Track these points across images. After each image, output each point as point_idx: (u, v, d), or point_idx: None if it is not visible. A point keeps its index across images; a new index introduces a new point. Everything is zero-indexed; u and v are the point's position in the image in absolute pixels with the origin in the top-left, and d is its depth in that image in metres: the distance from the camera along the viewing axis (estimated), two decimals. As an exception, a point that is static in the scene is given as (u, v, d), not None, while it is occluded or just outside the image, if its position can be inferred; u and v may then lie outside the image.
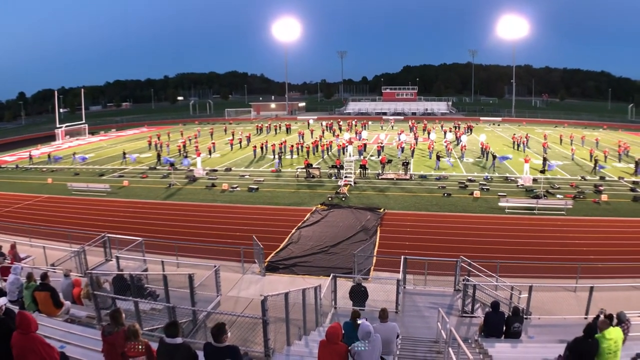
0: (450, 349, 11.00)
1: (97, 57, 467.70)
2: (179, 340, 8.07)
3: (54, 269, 20.43)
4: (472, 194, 39.59)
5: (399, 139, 65.85)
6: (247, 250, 24.66)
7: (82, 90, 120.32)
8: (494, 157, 52.38)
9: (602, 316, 12.25)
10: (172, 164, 49.77)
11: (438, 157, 52.07)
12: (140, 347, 8.41)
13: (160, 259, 21.85)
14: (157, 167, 54.32)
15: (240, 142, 71.92)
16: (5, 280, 14.98)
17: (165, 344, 8.05)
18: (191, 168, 51.89)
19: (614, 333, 10.55)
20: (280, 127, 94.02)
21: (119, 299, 13.59)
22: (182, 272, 17.14)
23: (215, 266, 18.53)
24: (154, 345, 8.38)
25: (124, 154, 59.97)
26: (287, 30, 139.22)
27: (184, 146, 67.06)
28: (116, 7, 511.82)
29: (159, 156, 57.82)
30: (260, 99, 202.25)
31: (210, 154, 63.07)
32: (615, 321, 11.57)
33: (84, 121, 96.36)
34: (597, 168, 47.52)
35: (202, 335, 12.95)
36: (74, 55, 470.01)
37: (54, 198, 41.56)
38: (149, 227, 31.81)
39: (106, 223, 32.38)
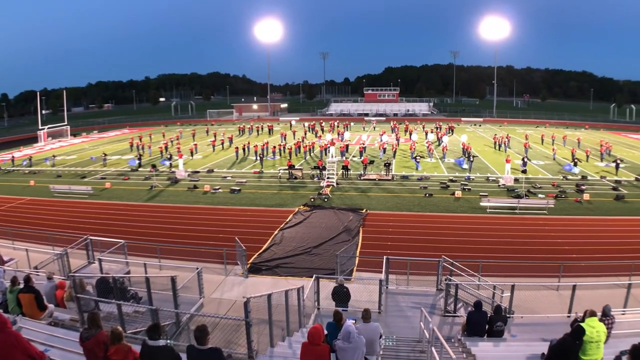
0: (433, 349, 11.05)
1: (79, 58, 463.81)
2: (161, 342, 8.07)
3: (37, 271, 20.31)
4: (453, 194, 39.80)
5: (381, 140, 65.97)
6: (230, 252, 24.63)
7: (64, 91, 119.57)
8: (470, 156, 52.76)
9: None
10: (153, 166, 49.46)
11: (416, 159, 52.34)
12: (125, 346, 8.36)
13: (143, 262, 21.84)
14: (139, 169, 54.06)
15: (222, 144, 71.80)
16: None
17: (148, 346, 8.05)
18: (173, 169, 51.72)
19: (597, 322, 10.75)
20: (262, 128, 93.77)
21: (102, 302, 13.52)
22: (165, 274, 17.07)
23: (197, 268, 18.51)
24: (137, 348, 8.35)
25: (104, 155, 59.68)
26: (269, 31, 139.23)
27: (166, 147, 66.70)
28: (97, 8, 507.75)
29: (140, 158, 57.57)
30: (243, 100, 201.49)
31: (192, 155, 62.79)
32: (599, 315, 11.72)
33: (66, 123, 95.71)
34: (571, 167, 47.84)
35: (186, 338, 12.92)
36: (56, 57, 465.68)
37: (36, 200, 41.25)
38: (131, 229, 31.66)
39: (88, 225, 32.16)
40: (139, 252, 24.90)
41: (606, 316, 12.89)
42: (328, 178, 44.12)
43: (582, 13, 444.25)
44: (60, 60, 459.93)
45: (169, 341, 10.65)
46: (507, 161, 46.96)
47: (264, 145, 60.87)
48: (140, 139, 76.77)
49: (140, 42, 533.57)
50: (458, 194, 39.64)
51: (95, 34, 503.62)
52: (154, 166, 49.42)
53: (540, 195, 38.66)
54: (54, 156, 61.46)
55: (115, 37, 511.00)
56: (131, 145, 72.55)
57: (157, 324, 8.44)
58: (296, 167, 49.24)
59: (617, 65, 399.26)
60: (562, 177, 46.20)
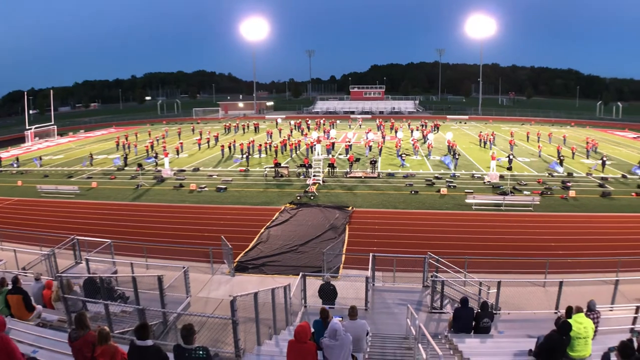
0: (419, 345, 11.10)
1: (66, 58, 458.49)
2: (149, 342, 8.06)
3: (25, 272, 20.20)
4: (439, 191, 39.96)
5: (367, 138, 65.97)
6: (216, 251, 24.60)
7: (51, 91, 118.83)
8: (455, 154, 53.22)
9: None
10: (139, 165, 49.32)
11: (401, 156, 52.59)
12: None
13: (130, 261, 21.70)
14: (125, 168, 53.79)
15: (208, 142, 71.56)
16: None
17: (136, 346, 8.04)
18: (159, 168, 51.51)
19: (584, 318, 10.89)
20: (248, 127, 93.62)
21: (89, 302, 13.47)
22: (151, 273, 17.04)
23: (184, 267, 18.47)
24: (125, 348, 8.33)
25: (91, 155, 59.27)
26: (255, 29, 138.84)
27: (152, 146, 66.33)
28: (84, 7, 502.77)
29: (126, 157, 57.28)
30: (228, 98, 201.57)
31: (178, 154, 62.56)
32: (584, 309, 11.83)
33: (52, 122, 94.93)
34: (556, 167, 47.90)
35: (173, 337, 12.89)
36: (44, 56, 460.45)
37: (23, 201, 40.93)
38: (117, 228, 31.50)
39: (75, 225, 31.94)
40: (126, 252, 24.79)
41: (591, 311, 12.99)
42: (314, 176, 44.20)
43: (568, 11, 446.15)
44: (47, 60, 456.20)
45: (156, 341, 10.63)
46: (493, 158, 47.16)
47: (249, 143, 60.80)
48: (127, 138, 76.33)
49: (127, 41, 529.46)
50: (443, 191, 39.79)
51: (82, 33, 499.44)
52: (140, 165, 49.25)
53: (525, 192, 38.90)
54: (40, 157, 60.89)
55: (102, 36, 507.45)
56: (117, 144, 72.14)
57: (145, 324, 8.43)
58: (282, 165, 49.27)
59: (603, 62, 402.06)
60: (547, 174, 46.46)
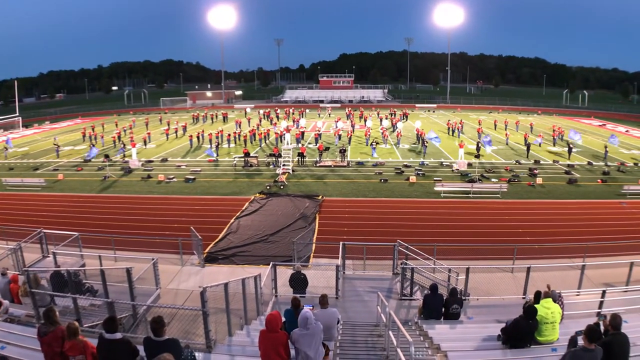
0: (390, 332, 11.13)
1: (30, 48, 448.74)
2: (118, 335, 7.99)
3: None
4: (408, 179, 40.20)
5: (336, 127, 65.99)
6: (186, 242, 24.45)
7: (16, 82, 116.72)
8: (424, 142, 53.50)
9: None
10: (106, 156, 48.68)
11: (372, 145, 52.79)
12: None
13: (98, 254, 21.45)
14: (92, 160, 52.98)
15: (176, 132, 70.92)
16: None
17: (104, 339, 7.96)
18: (126, 159, 50.93)
19: (552, 303, 11.05)
20: (216, 116, 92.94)
21: (57, 296, 13.30)
22: (120, 266, 16.86)
23: (153, 259, 18.32)
24: (94, 342, 8.24)
25: (58, 146, 58.27)
26: (223, 17, 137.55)
27: (119, 137, 65.42)
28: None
29: (92, 148, 56.47)
30: (196, 87, 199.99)
31: (145, 144, 61.74)
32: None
33: (17, 114, 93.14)
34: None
35: (143, 330, 12.80)
36: (7, 47, 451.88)
37: (-13, 194, 40.10)
38: (85, 221, 31.03)
39: (42, 218, 31.39)
40: (94, 244, 24.46)
41: (554, 301, 13.19)
42: (284, 165, 44.14)
43: (535, 0, 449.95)
44: (11, 50, 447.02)
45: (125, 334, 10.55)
46: (461, 146, 47.52)
47: (218, 133, 60.40)
48: (93, 129, 75.01)
49: (93, 30, 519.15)
50: (412, 179, 40.05)
51: (46, 22, 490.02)
52: (107, 156, 48.64)
53: (493, 180, 39.29)
54: (6, 148, 59.70)
55: (66, 24, 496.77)
56: (83, 136, 70.86)
57: (113, 317, 8.35)
58: (251, 154, 49.12)
59: (569, 52, 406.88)
60: (514, 162, 47.01)
